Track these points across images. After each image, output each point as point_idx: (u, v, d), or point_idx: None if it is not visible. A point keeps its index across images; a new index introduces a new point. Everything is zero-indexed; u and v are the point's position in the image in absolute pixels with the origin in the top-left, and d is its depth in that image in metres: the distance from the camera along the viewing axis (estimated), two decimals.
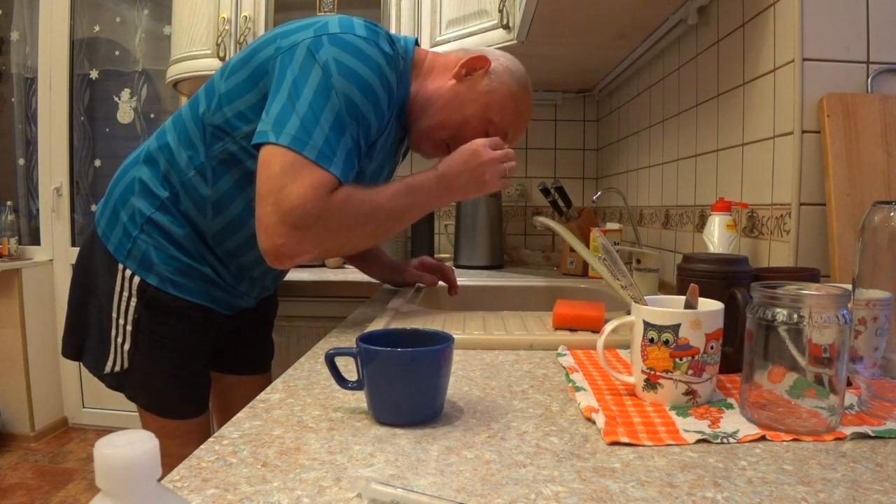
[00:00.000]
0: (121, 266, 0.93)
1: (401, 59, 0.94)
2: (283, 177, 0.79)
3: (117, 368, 0.94)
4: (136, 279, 0.92)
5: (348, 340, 0.88)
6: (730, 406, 0.59)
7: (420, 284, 1.32)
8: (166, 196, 0.93)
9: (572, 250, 1.58)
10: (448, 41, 1.82)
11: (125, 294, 0.93)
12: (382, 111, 0.88)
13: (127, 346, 0.93)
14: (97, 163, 2.78)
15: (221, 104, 0.90)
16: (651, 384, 0.59)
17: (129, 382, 0.96)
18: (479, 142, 0.93)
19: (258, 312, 1.16)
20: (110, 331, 0.94)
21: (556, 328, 0.94)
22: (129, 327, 0.93)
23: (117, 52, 2.74)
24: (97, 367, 0.96)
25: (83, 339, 0.99)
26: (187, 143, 0.93)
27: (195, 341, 0.98)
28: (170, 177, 0.93)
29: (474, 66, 0.99)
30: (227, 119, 0.89)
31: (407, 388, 0.54)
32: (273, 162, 0.80)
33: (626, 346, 0.80)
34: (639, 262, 1.27)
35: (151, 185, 0.94)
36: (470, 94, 0.98)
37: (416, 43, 1.02)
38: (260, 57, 0.88)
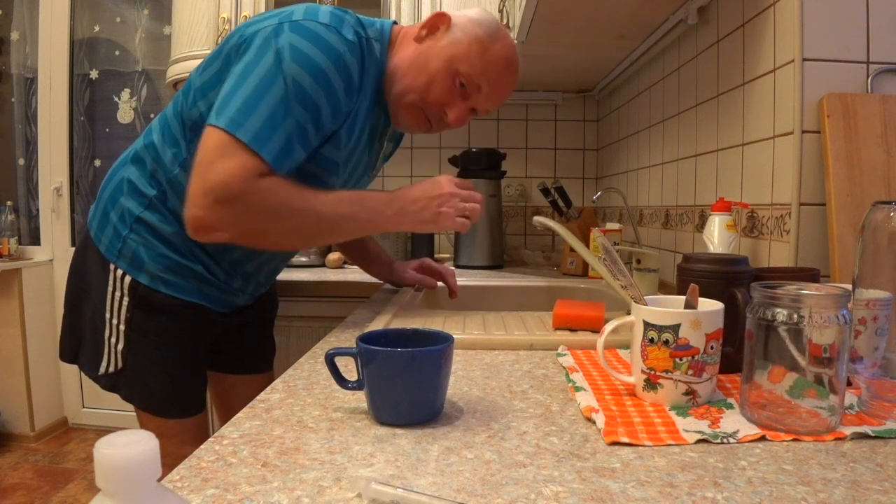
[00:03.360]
0: (112, 266, 0.93)
1: (375, 43, 0.93)
2: (214, 153, 0.79)
3: (111, 369, 0.94)
4: (128, 279, 0.93)
5: (348, 340, 0.88)
6: (730, 406, 0.59)
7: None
8: (154, 194, 0.93)
9: (572, 250, 1.58)
10: None
11: (118, 294, 0.93)
12: (337, 98, 0.86)
13: (121, 346, 0.93)
14: (97, 163, 2.78)
15: (196, 98, 0.90)
16: (651, 384, 0.59)
17: (124, 383, 0.95)
18: (445, 176, 0.93)
19: (257, 312, 1.16)
20: (104, 331, 0.94)
21: (556, 328, 0.94)
22: (122, 327, 0.93)
23: (117, 52, 2.74)
24: (92, 368, 0.96)
25: (79, 341, 0.99)
26: (171, 140, 0.93)
27: (189, 340, 0.98)
28: (157, 175, 0.93)
29: (434, 24, 0.96)
30: (202, 113, 0.89)
31: (407, 388, 0.54)
32: (208, 141, 0.80)
33: (626, 346, 0.80)
34: (639, 262, 1.27)
35: (139, 184, 0.94)
36: (432, 51, 0.94)
37: (396, 23, 1.00)
38: (227, 47, 0.88)
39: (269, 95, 0.80)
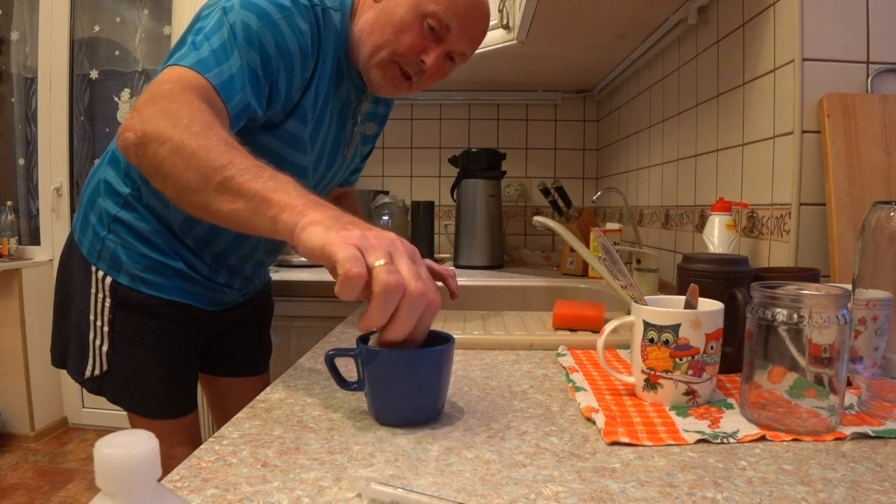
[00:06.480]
0: (94, 268, 0.92)
1: (333, 13, 0.90)
2: (161, 76, 0.75)
3: (97, 372, 0.93)
4: (108, 280, 0.92)
5: (348, 341, 0.88)
6: (730, 406, 0.59)
7: None
8: (128, 192, 0.92)
9: (572, 250, 1.58)
10: None
11: (100, 296, 0.92)
12: (289, 53, 0.82)
13: (105, 348, 0.92)
14: (97, 163, 2.78)
15: None
16: (651, 384, 0.59)
17: (110, 385, 0.94)
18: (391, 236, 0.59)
19: (252, 313, 1.15)
20: (88, 334, 0.93)
21: (556, 328, 0.94)
22: (105, 328, 0.92)
23: (117, 52, 2.74)
24: (78, 372, 0.95)
25: (66, 346, 0.98)
26: None
27: (174, 340, 0.96)
28: (130, 172, 0.92)
29: None
30: None
31: (407, 388, 0.54)
32: (159, 76, 0.76)
33: (626, 346, 0.80)
34: (639, 262, 1.27)
35: (114, 183, 0.93)
36: (393, 2, 0.90)
37: None
38: (186, 35, 0.85)
39: (215, 37, 0.77)
